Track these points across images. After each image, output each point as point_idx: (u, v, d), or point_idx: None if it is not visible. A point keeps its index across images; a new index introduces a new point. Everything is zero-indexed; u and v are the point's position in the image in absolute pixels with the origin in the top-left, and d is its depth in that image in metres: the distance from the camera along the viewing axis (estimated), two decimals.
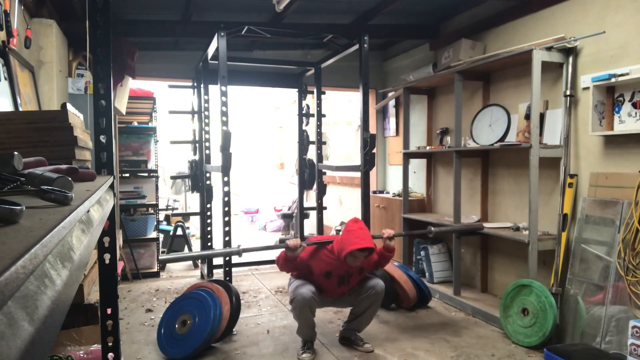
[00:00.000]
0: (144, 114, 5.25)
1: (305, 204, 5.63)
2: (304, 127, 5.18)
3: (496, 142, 3.43)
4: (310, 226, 6.42)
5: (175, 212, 6.63)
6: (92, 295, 2.01)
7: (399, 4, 3.80)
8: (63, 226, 0.48)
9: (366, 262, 2.85)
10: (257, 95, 8.73)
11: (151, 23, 4.09)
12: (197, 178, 4.81)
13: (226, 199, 3.35)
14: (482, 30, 3.96)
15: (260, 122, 9.63)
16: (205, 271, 4.38)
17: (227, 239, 3.40)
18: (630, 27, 2.78)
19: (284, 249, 2.75)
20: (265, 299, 3.98)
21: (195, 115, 4.86)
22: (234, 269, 3.81)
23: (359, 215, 3.43)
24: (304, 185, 5.23)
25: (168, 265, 5.25)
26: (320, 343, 3.01)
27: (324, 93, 5.01)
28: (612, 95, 2.88)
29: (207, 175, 4.53)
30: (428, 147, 4.41)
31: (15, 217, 0.48)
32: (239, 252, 2.74)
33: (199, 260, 5.14)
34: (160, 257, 2.25)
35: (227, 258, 3.41)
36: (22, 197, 0.69)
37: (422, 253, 4.33)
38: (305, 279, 2.86)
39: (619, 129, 2.83)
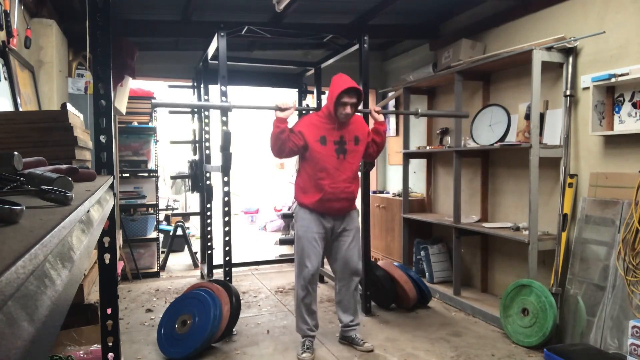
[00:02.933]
0: (144, 114, 5.24)
1: None
2: None
3: (496, 142, 3.43)
4: None
5: (175, 212, 6.63)
6: (92, 295, 2.01)
7: (399, 4, 3.80)
8: (63, 226, 0.48)
9: (359, 128, 2.88)
10: (257, 95, 8.72)
11: (151, 23, 4.09)
12: (197, 178, 4.81)
13: (226, 199, 3.35)
14: (482, 30, 3.96)
15: (260, 122, 9.63)
16: (205, 271, 4.38)
17: (227, 239, 3.40)
18: (630, 27, 2.78)
19: (274, 126, 2.74)
20: (265, 299, 3.98)
21: (195, 115, 4.86)
22: (234, 269, 3.82)
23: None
24: None
25: (168, 265, 5.25)
26: (320, 343, 3.01)
27: (324, 93, 5.01)
28: (612, 95, 2.88)
29: (207, 175, 4.53)
30: (428, 147, 4.41)
31: (15, 217, 0.48)
32: (229, 107, 2.83)
33: (199, 260, 5.14)
34: (153, 102, 2.37)
35: (227, 258, 3.41)
36: (22, 197, 0.69)
37: (422, 253, 4.33)
38: (305, 173, 2.85)
39: (619, 129, 2.83)
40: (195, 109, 4.82)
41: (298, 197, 2.92)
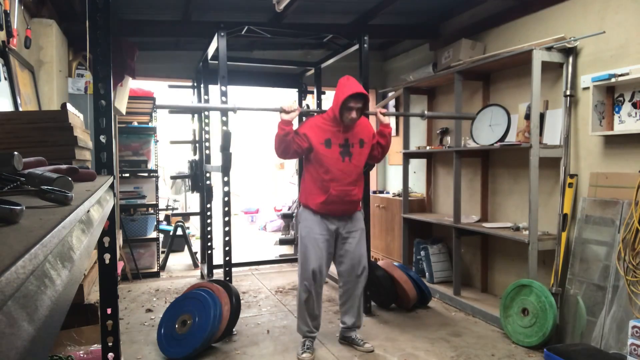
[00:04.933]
0: (144, 114, 5.24)
1: None
2: None
3: (496, 142, 3.43)
4: None
5: (175, 212, 6.63)
6: (92, 295, 2.01)
7: (399, 4, 3.80)
8: (63, 226, 0.48)
9: (364, 131, 2.86)
10: (257, 95, 8.72)
11: (151, 23, 4.09)
12: (197, 178, 4.81)
13: (226, 199, 3.35)
14: (482, 30, 3.96)
15: (260, 122, 9.63)
16: (205, 271, 4.38)
17: (227, 239, 3.40)
18: (630, 27, 2.78)
19: (279, 128, 2.74)
20: (265, 299, 3.98)
21: (195, 115, 4.85)
22: (234, 269, 3.82)
23: None
24: None
25: (168, 265, 5.26)
26: (320, 343, 3.01)
27: (324, 93, 5.01)
28: (612, 95, 2.88)
29: (207, 175, 4.53)
30: (428, 147, 4.41)
31: (15, 217, 0.48)
32: (233, 109, 2.85)
33: (199, 260, 5.14)
34: (157, 104, 2.46)
35: (227, 258, 3.41)
36: (22, 197, 0.69)
37: (422, 253, 4.33)
38: (310, 172, 2.84)
39: (619, 129, 2.83)
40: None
41: (302, 199, 2.93)
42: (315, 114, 2.91)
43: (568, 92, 3.09)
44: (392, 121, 5.41)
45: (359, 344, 2.92)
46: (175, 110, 5.01)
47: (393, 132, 5.37)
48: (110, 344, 1.69)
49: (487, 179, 3.96)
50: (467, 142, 3.79)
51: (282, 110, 2.73)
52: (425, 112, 3.25)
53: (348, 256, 2.88)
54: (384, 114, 2.96)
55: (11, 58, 2.38)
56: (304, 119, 3.12)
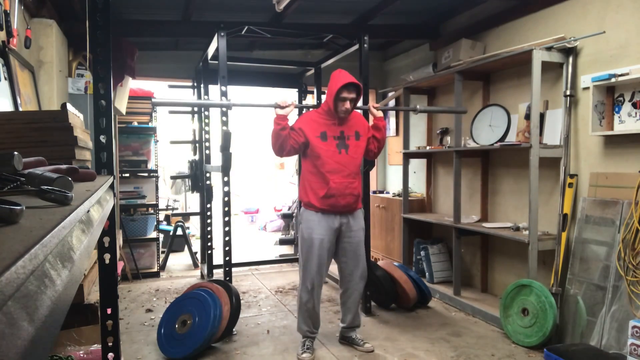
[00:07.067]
0: (144, 114, 5.24)
1: None
2: None
3: (496, 142, 3.43)
4: None
5: (175, 212, 6.63)
6: (92, 295, 2.01)
7: (399, 4, 3.80)
8: (63, 226, 0.48)
9: (359, 123, 2.89)
10: (258, 95, 8.72)
11: (151, 23, 4.09)
12: (197, 178, 4.81)
13: (226, 199, 3.35)
14: (482, 30, 3.96)
15: (260, 122, 9.63)
16: (205, 271, 4.38)
17: (227, 239, 3.40)
18: (630, 27, 2.78)
19: (274, 125, 2.74)
20: (265, 299, 3.98)
21: (195, 115, 4.85)
22: (234, 269, 3.82)
23: None
24: None
25: (168, 265, 5.25)
26: (320, 343, 3.01)
27: (323, 93, 5.00)
28: (612, 95, 2.88)
29: (207, 175, 4.53)
30: (428, 147, 4.41)
31: (15, 217, 0.48)
32: (229, 105, 2.86)
33: (199, 260, 5.14)
34: (153, 101, 2.42)
35: (227, 258, 3.41)
36: (22, 197, 0.69)
37: (422, 253, 4.33)
38: (308, 168, 2.83)
39: (619, 129, 2.84)
40: (195, 109, 4.82)
41: (302, 196, 2.91)
42: (310, 108, 2.91)
43: (568, 92, 3.09)
44: (392, 121, 5.41)
45: (359, 344, 2.92)
46: (175, 111, 5.01)
47: (393, 132, 5.39)
48: (110, 344, 1.69)
49: (487, 179, 3.96)
50: (467, 142, 3.79)
51: (277, 106, 2.75)
52: (418, 106, 3.27)
53: (349, 256, 2.87)
54: (376, 108, 2.99)
55: (11, 58, 2.38)
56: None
